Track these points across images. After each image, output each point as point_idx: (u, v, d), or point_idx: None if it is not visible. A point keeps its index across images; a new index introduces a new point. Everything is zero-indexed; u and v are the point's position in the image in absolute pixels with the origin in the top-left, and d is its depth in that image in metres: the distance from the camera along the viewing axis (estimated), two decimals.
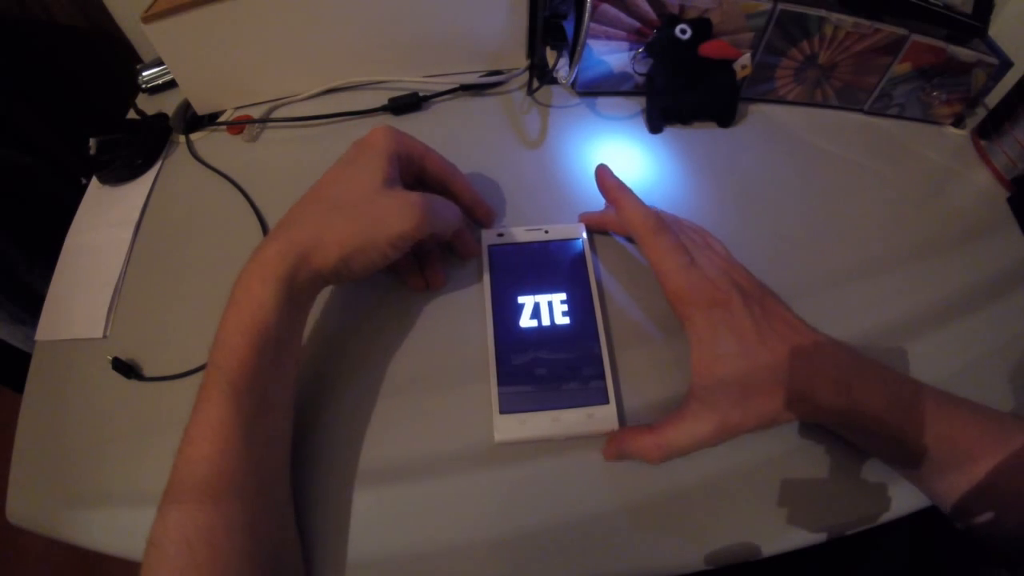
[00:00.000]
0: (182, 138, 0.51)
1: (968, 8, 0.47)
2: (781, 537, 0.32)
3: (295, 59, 0.50)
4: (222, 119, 0.53)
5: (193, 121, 0.53)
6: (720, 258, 0.37)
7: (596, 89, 0.51)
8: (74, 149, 0.55)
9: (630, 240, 0.42)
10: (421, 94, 0.51)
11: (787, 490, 0.33)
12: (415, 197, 0.34)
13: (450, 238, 0.40)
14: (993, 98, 0.49)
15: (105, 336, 0.41)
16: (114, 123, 0.52)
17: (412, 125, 0.50)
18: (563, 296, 0.39)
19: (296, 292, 0.32)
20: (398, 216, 0.33)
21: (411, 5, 0.48)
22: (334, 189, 0.35)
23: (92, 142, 0.49)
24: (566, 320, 0.38)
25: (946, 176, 0.47)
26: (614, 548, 0.32)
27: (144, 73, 0.56)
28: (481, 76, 0.53)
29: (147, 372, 0.39)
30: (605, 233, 0.43)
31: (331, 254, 0.32)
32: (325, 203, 0.35)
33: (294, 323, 0.33)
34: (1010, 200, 0.46)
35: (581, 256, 0.40)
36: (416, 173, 0.39)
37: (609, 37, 0.47)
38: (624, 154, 0.48)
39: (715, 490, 0.33)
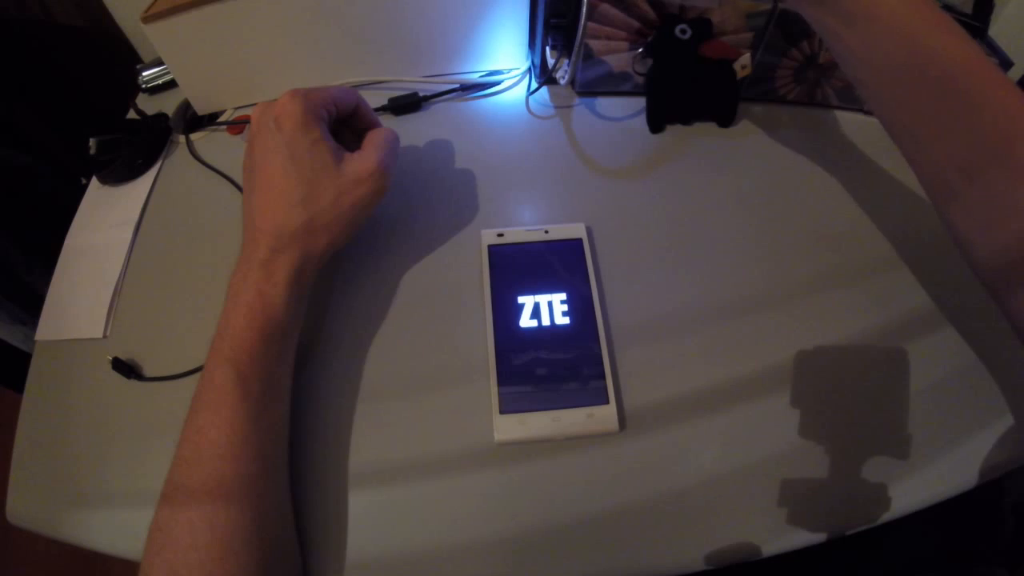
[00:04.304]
0: (182, 138, 0.51)
1: (968, 8, 0.46)
2: (781, 537, 0.32)
3: (295, 59, 0.50)
4: (222, 119, 0.53)
5: (193, 121, 0.53)
6: None
7: (596, 89, 0.51)
8: (74, 149, 0.55)
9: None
10: (421, 94, 0.51)
11: (787, 490, 0.33)
12: (371, 163, 0.35)
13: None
14: None
15: (105, 336, 0.41)
16: (114, 123, 0.52)
17: (412, 125, 0.50)
18: (563, 296, 0.39)
19: (301, 286, 0.34)
20: (368, 187, 0.35)
21: (411, 5, 0.48)
22: (294, 178, 0.34)
23: (92, 142, 0.49)
24: (566, 320, 0.38)
25: None
26: (614, 548, 0.32)
27: (144, 73, 0.56)
28: (481, 76, 0.53)
29: (147, 372, 0.39)
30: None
31: (321, 241, 0.35)
32: (296, 193, 0.34)
33: (298, 312, 0.35)
34: None
35: (581, 256, 0.40)
36: (331, 117, 0.37)
37: (609, 37, 0.47)
38: (624, 154, 0.48)
39: (715, 490, 0.33)
